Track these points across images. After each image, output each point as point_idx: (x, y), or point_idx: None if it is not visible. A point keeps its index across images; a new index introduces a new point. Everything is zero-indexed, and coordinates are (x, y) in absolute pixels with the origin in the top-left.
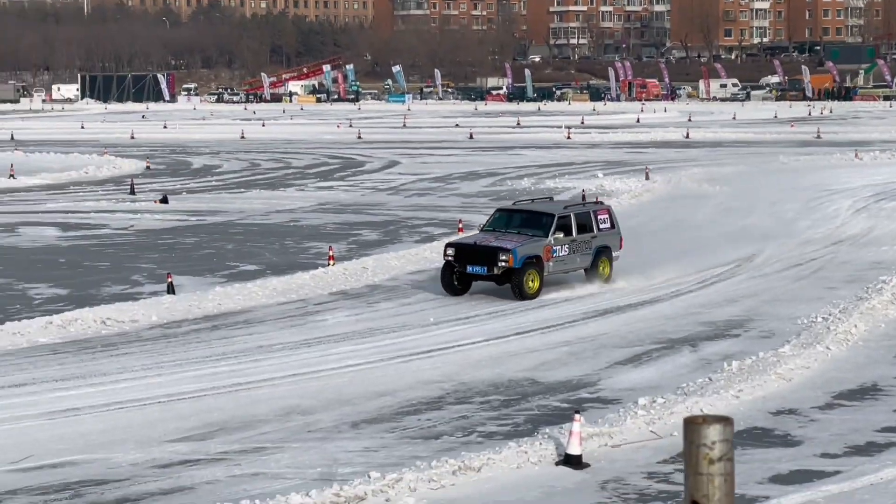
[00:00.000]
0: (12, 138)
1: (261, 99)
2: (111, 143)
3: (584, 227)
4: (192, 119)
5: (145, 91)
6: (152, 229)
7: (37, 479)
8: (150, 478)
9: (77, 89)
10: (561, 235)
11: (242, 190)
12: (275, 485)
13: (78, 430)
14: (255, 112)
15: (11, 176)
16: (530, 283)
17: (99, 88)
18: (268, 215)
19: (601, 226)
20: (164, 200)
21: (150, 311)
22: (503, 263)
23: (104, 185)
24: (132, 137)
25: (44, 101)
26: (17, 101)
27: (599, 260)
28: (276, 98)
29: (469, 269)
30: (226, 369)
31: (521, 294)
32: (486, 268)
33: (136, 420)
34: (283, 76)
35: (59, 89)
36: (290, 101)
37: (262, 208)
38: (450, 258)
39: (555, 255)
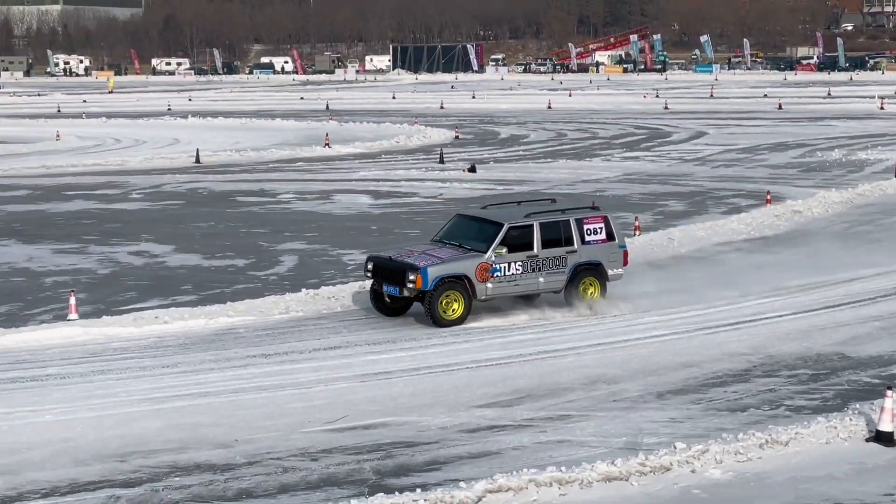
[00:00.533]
0: (327, 108)
1: (567, 69)
2: (421, 112)
3: (557, 240)
4: (500, 89)
5: (454, 61)
6: (460, 198)
7: (351, 439)
8: (458, 441)
9: (389, 60)
10: (504, 251)
11: (549, 160)
12: (580, 452)
13: (389, 392)
14: (561, 82)
15: (327, 145)
16: (451, 310)
17: (410, 59)
18: (574, 185)
19: (587, 238)
20: (473, 170)
21: None
22: (411, 284)
23: (414, 154)
24: (441, 107)
25: (357, 71)
26: (332, 72)
27: (582, 280)
28: (583, 68)
29: (385, 288)
30: (532, 337)
31: (434, 321)
32: (397, 288)
33: (445, 385)
34: (590, 46)
35: (371, 60)
36: (597, 71)
37: (568, 178)
38: (369, 274)
39: (496, 274)
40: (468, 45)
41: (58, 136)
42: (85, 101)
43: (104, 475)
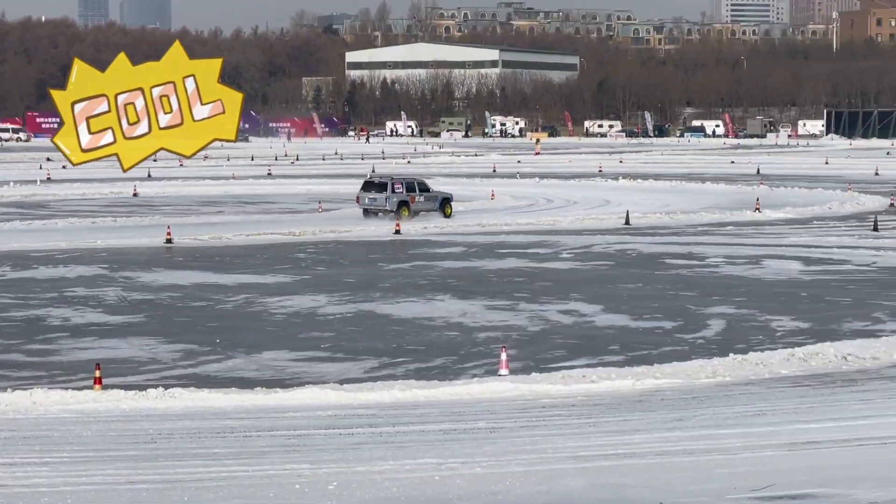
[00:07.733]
0: (758, 172)
1: None
2: (855, 179)
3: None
4: None
5: (891, 127)
6: None
7: None
8: None
9: (822, 125)
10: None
11: None
12: None
13: (818, 463)
14: None
15: (757, 209)
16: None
17: (844, 124)
18: None
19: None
20: None
21: (891, 350)
22: None
23: (847, 220)
24: (876, 174)
25: (789, 136)
26: (763, 136)
27: None
28: None
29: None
30: None
31: None
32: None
33: (877, 458)
34: None
35: (804, 125)
36: None
37: None
38: None
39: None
40: None
41: (493, 195)
42: (519, 161)
43: None
